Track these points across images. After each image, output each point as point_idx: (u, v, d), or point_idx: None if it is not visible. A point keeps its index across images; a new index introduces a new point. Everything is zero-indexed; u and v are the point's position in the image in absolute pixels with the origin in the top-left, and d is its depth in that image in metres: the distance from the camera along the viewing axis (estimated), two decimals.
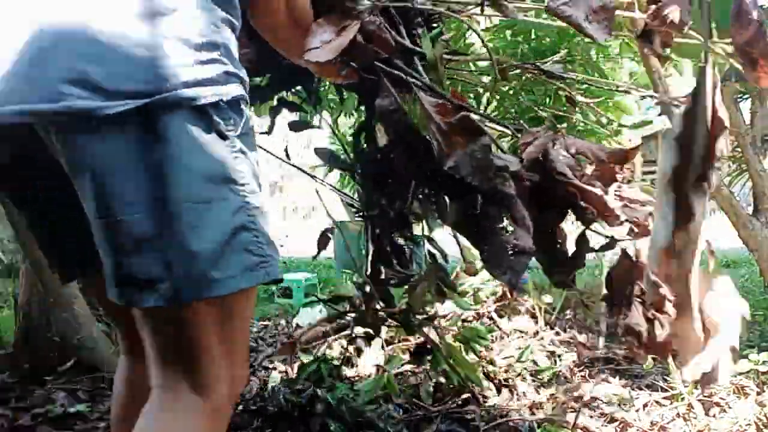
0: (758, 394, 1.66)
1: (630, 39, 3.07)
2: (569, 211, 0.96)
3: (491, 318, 2.31)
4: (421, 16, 1.08)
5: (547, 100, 3.30)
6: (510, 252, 0.87)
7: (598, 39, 0.98)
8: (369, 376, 1.92)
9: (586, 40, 3.04)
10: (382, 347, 2.13)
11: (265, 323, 3.01)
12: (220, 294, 0.65)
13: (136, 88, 0.61)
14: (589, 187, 0.93)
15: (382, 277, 1.40)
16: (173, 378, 0.68)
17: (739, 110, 2.06)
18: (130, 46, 0.62)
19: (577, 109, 3.09)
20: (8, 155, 0.73)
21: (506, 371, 1.87)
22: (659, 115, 2.17)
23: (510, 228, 0.90)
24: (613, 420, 1.58)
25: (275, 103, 1.43)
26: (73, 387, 1.94)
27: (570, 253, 0.98)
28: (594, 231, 0.98)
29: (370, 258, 1.34)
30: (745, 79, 2.04)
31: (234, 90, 0.68)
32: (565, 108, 3.22)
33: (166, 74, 0.62)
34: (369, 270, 1.43)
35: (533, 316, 2.27)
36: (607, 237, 0.99)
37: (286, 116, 1.52)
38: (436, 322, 2.25)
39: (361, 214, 1.39)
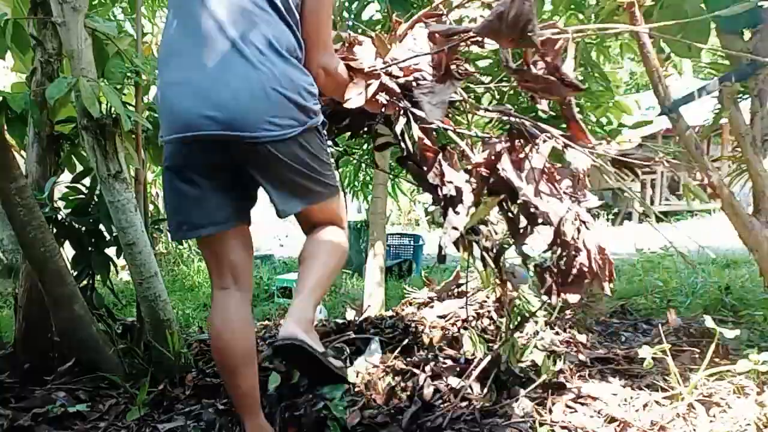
0: (758, 394, 1.66)
1: (630, 40, 3.07)
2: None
3: (491, 318, 2.31)
4: None
5: (548, 100, 3.29)
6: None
7: (430, 119, 1.49)
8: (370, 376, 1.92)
9: (587, 40, 3.05)
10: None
11: (265, 323, 3.01)
12: (335, 194, 1.48)
13: (296, 122, 1.32)
14: (520, 183, 1.46)
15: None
16: (335, 223, 1.50)
17: (739, 110, 2.06)
18: (295, 104, 1.32)
19: (577, 108, 3.09)
20: (214, 156, 1.33)
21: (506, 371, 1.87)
22: (659, 115, 2.17)
23: None
24: (613, 420, 1.58)
25: None
26: (73, 387, 1.94)
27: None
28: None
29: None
30: (745, 79, 2.04)
31: (322, 118, 1.41)
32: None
33: (309, 113, 1.35)
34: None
35: (533, 316, 2.27)
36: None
37: None
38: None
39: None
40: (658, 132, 11.62)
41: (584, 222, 1.41)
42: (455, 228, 1.47)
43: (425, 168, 1.54)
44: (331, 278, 1.46)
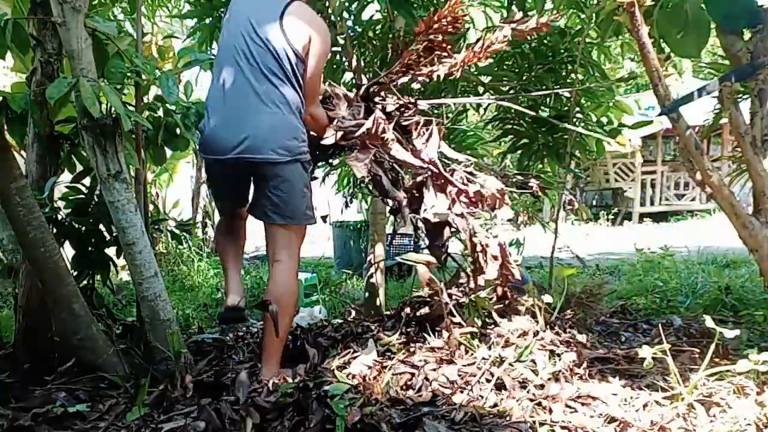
0: (758, 394, 1.66)
1: (630, 39, 3.07)
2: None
3: (491, 317, 2.31)
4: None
5: (548, 100, 3.29)
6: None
7: (358, 175, 2.14)
8: (368, 376, 1.93)
9: (588, 40, 3.05)
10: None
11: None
12: (294, 227, 2.08)
13: (291, 153, 1.98)
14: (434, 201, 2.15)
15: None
16: (285, 255, 2.05)
17: (739, 110, 2.05)
18: (292, 139, 1.99)
19: (577, 108, 3.09)
20: (233, 171, 2.06)
21: (506, 371, 1.87)
22: (659, 115, 2.16)
23: None
24: (613, 420, 1.58)
25: None
26: (73, 387, 1.94)
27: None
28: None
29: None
30: (745, 79, 2.04)
31: (308, 157, 2.08)
32: (566, 108, 3.22)
33: (300, 149, 2.02)
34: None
35: (533, 316, 2.27)
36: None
37: None
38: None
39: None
40: (658, 132, 11.64)
41: (476, 231, 2.14)
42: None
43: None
44: (284, 326, 2.02)
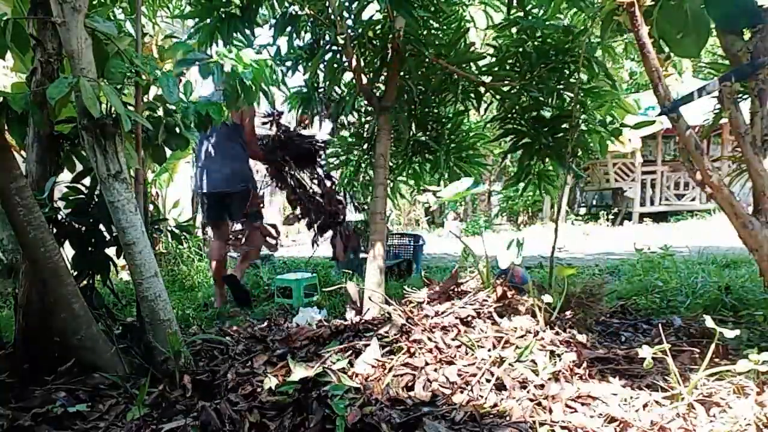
0: (758, 394, 1.66)
1: (632, 39, 3.06)
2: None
3: (491, 317, 2.31)
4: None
5: (550, 99, 3.29)
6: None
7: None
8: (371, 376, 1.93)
9: (592, 38, 3.04)
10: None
11: (264, 323, 3.01)
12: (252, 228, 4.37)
13: (244, 184, 4.11)
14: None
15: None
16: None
17: (739, 110, 2.05)
18: (244, 175, 4.16)
19: (579, 107, 3.09)
20: (217, 200, 4.15)
21: (506, 371, 1.87)
22: (659, 115, 2.16)
23: None
24: (613, 420, 1.58)
25: None
26: (73, 387, 1.94)
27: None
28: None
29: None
30: (745, 79, 2.04)
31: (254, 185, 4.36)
32: (568, 108, 3.22)
33: (249, 179, 4.20)
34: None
35: (533, 316, 2.27)
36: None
37: None
38: (433, 321, 2.26)
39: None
40: (658, 132, 11.64)
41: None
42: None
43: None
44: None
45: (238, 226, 4.47)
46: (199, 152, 4.06)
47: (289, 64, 3.49)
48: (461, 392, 1.77)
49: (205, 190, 4.06)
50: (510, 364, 1.90)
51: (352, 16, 3.17)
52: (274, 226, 4.55)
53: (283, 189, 4.78)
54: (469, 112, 3.88)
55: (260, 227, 4.26)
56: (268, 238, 4.39)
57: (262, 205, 4.25)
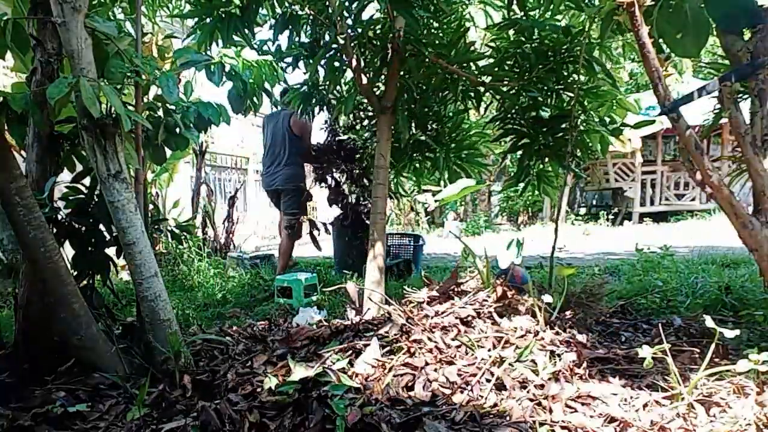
0: (758, 394, 1.66)
1: (631, 39, 3.06)
2: None
3: (491, 317, 2.31)
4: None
5: (549, 100, 3.29)
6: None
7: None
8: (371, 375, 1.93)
9: (591, 38, 3.04)
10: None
11: (263, 323, 3.01)
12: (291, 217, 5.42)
13: (296, 182, 5.35)
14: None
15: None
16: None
17: (739, 110, 2.05)
18: (296, 175, 5.37)
19: (579, 107, 3.09)
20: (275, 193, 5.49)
21: (506, 371, 1.87)
22: (659, 115, 2.16)
23: None
24: (613, 420, 1.58)
25: None
26: (73, 387, 1.94)
27: None
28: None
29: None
30: (745, 79, 2.04)
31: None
32: (567, 108, 3.22)
33: (302, 179, 5.45)
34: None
35: (533, 316, 2.27)
36: None
37: None
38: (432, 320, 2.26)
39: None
40: (658, 132, 11.64)
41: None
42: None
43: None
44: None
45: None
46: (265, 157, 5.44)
47: (289, 60, 3.49)
48: (461, 392, 1.77)
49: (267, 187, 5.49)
50: (510, 364, 1.90)
51: (352, 16, 3.17)
52: (323, 224, 5.40)
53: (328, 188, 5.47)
54: (469, 111, 3.88)
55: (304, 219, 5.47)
56: (314, 231, 5.35)
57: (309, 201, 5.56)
